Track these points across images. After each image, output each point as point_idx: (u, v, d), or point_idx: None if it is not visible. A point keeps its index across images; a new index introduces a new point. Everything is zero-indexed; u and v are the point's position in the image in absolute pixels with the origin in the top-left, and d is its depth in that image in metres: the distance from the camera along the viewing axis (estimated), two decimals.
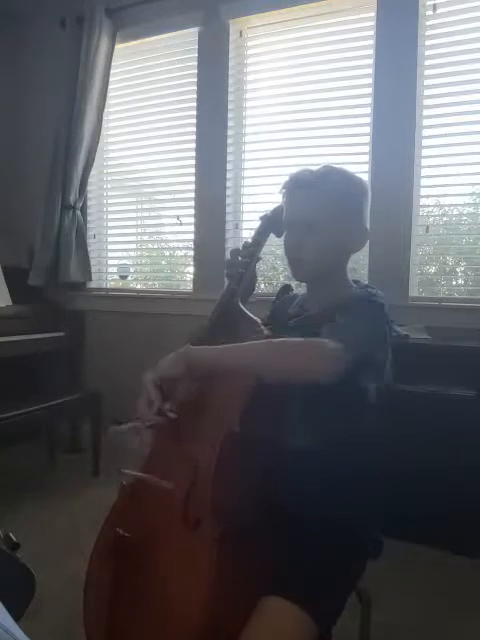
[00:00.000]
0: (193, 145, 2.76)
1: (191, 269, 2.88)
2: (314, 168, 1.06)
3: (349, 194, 1.05)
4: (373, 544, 1.00)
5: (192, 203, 2.79)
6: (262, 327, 1.00)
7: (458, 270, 2.50)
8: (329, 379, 0.85)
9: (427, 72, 2.28)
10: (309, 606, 0.81)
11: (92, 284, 3.08)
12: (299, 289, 1.30)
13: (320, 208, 1.02)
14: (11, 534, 0.98)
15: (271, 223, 1.19)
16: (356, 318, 0.94)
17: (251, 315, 1.03)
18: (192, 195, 2.79)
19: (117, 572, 0.89)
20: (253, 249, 1.16)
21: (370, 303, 0.99)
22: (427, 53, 2.27)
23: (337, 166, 1.08)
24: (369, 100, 2.38)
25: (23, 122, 3.16)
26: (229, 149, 2.68)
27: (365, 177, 2.36)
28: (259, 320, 1.01)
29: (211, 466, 0.85)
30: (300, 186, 1.05)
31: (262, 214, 1.22)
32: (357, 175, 1.10)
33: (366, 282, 1.13)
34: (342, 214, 1.03)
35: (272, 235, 1.21)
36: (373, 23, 2.34)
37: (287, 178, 1.08)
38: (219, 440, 0.85)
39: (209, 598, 0.78)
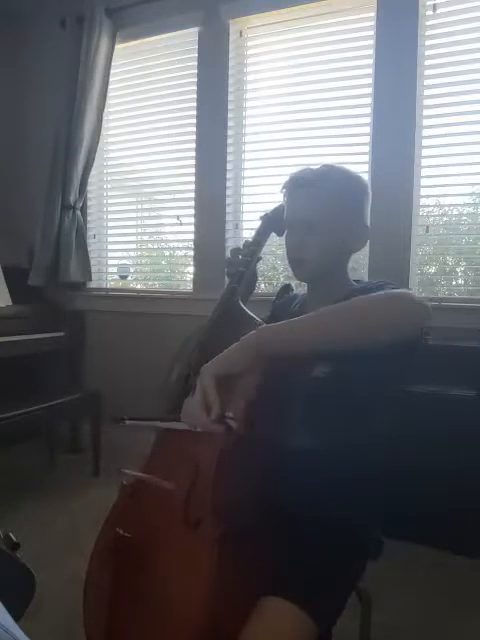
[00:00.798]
0: (193, 145, 2.76)
1: (191, 269, 2.88)
2: (314, 167, 1.06)
3: (350, 193, 1.05)
4: (373, 544, 1.00)
5: (192, 203, 2.79)
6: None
7: (458, 270, 2.50)
8: (419, 330, 0.80)
9: (427, 72, 2.28)
10: (309, 606, 0.81)
11: (92, 284, 3.08)
12: (299, 289, 1.30)
13: (321, 207, 1.02)
14: (11, 534, 0.98)
15: (272, 222, 1.18)
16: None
17: (252, 314, 1.03)
18: (192, 195, 2.79)
19: (117, 572, 0.89)
20: (254, 248, 1.16)
21: (386, 285, 0.96)
22: (427, 53, 2.27)
23: (337, 165, 1.08)
24: (369, 100, 2.38)
25: (23, 122, 3.16)
26: (229, 149, 2.68)
27: (365, 177, 2.36)
28: (260, 319, 1.00)
29: (212, 466, 0.84)
30: (300, 185, 1.05)
31: (263, 213, 1.21)
32: (357, 173, 1.10)
33: (367, 280, 1.13)
34: (343, 213, 1.03)
35: (273, 235, 1.21)
36: (373, 23, 2.34)
37: (287, 177, 1.08)
38: (220, 440, 0.85)
39: (209, 598, 0.78)
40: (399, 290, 0.86)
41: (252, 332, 0.81)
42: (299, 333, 0.81)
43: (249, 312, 1.03)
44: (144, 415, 0.97)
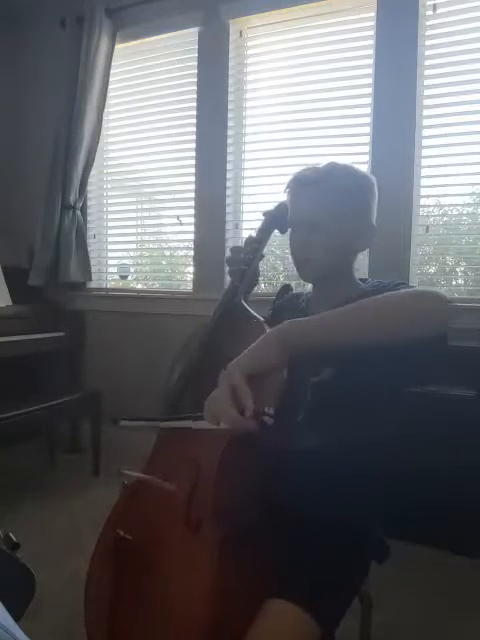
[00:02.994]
0: (193, 145, 2.76)
1: (191, 269, 2.88)
2: (319, 165, 1.04)
3: (355, 191, 1.03)
4: (378, 547, 1.00)
5: (192, 203, 2.79)
6: (265, 326, 0.98)
7: (458, 270, 2.50)
8: (444, 327, 0.80)
9: (427, 72, 2.28)
10: (312, 608, 0.81)
11: (92, 284, 3.08)
12: (299, 288, 1.30)
13: (325, 206, 1.00)
14: (11, 534, 0.98)
15: (275, 219, 1.16)
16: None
17: (254, 313, 1.02)
18: (192, 195, 2.79)
19: (118, 573, 0.89)
20: (256, 246, 1.13)
21: (399, 285, 0.95)
22: (427, 53, 2.27)
23: (342, 162, 1.05)
24: (369, 100, 2.38)
25: (23, 122, 3.16)
26: (229, 149, 2.68)
27: None
28: (262, 318, 0.99)
29: (213, 467, 0.84)
30: (304, 185, 1.03)
31: (265, 210, 1.19)
32: (363, 171, 1.07)
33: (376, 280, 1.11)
34: (348, 212, 1.01)
35: (273, 234, 1.19)
36: (373, 23, 2.34)
37: (291, 177, 1.06)
38: (222, 441, 0.85)
39: (212, 600, 0.77)
40: (426, 288, 0.86)
41: (278, 326, 0.79)
42: (329, 327, 0.79)
43: (251, 311, 1.02)
44: (141, 415, 0.97)
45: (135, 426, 0.98)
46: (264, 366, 0.76)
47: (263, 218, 1.18)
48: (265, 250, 1.18)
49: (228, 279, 1.15)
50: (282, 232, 1.15)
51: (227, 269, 1.18)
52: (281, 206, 1.14)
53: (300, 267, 1.07)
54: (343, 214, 1.01)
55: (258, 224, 1.19)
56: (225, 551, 0.79)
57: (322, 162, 1.05)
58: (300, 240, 1.04)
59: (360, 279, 1.10)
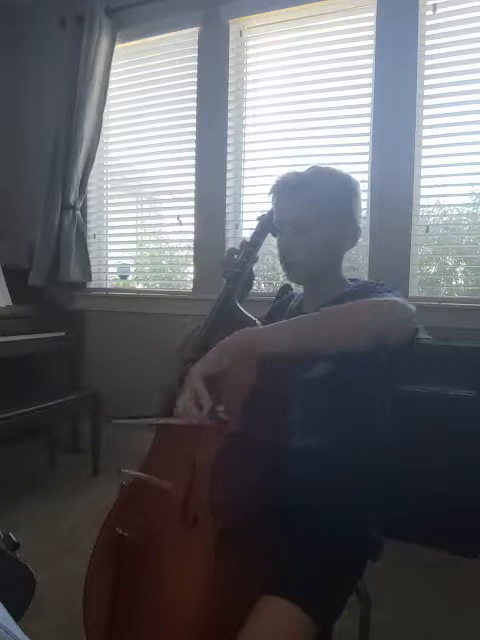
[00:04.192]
0: (193, 145, 2.76)
1: (191, 269, 2.88)
2: (300, 170, 1.07)
3: (337, 194, 1.05)
4: (373, 544, 1.00)
5: (192, 203, 2.79)
6: (259, 326, 1.00)
7: (458, 270, 2.50)
8: (409, 337, 0.84)
9: (427, 72, 2.28)
10: (307, 605, 0.81)
11: (92, 284, 3.08)
12: (298, 288, 1.30)
13: (307, 210, 1.03)
14: (11, 534, 0.98)
15: (268, 223, 1.19)
16: (381, 294, 0.95)
17: (248, 315, 1.04)
18: (192, 195, 2.79)
19: (117, 571, 0.89)
20: (250, 249, 1.17)
21: (377, 287, 1.00)
22: (427, 53, 2.27)
23: (326, 166, 1.09)
24: (369, 100, 2.38)
25: (23, 122, 3.16)
26: (229, 149, 2.68)
27: (365, 177, 2.36)
28: (257, 320, 1.01)
29: (209, 465, 0.85)
30: (288, 188, 1.06)
31: (259, 215, 1.22)
32: (346, 173, 1.10)
33: (365, 279, 1.13)
34: (331, 214, 1.04)
35: (271, 235, 1.21)
36: (373, 23, 2.34)
37: (275, 181, 1.09)
38: (218, 439, 0.85)
39: (207, 596, 0.78)
40: (385, 298, 0.89)
41: (233, 334, 0.88)
42: (278, 337, 0.87)
43: (246, 312, 1.05)
44: (132, 414, 0.99)
45: (126, 423, 1.03)
46: (216, 370, 0.86)
47: (257, 222, 1.21)
48: (265, 250, 1.20)
49: (224, 280, 1.16)
50: (275, 235, 1.18)
51: (222, 271, 1.20)
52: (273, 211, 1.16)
53: (287, 269, 1.10)
54: (326, 216, 1.03)
55: (255, 225, 1.22)
56: (221, 548, 0.80)
57: (307, 165, 1.09)
58: (285, 243, 1.07)
59: (351, 279, 1.12)
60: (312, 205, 1.03)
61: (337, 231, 1.05)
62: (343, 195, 1.07)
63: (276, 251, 1.11)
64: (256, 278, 1.37)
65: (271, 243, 1.27)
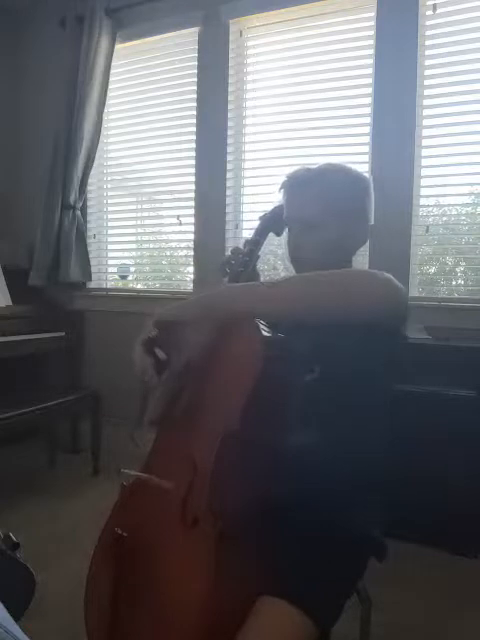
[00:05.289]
0: (193, 145, 2.76)
1: (191, 269, 2.88)
2: (313, 166, 1.05)
3: (348, 192, 1.03)
4: (375, 546, 1.00)
5: (192, 203, 2.79)
6: (260, 325, 0.99)
7: (458, 270, 2.50)
8: (389, 311, 0.83)
9: (427, 72, 2.28)
10: (307, 606, 0.81)
11: (92, 284, 3.08)
12: None
13: (317, 207, 1.01)
14: (11, 534, 0.98)
15: (270, 222, 1.17)
16: None
17: None
18: (192, 195, 2.79)
19: (118, 572, 0.89)
20: (252, 248, 1.15)
21: None
22: (427, 53, 2.27)
23: (338, 163, 1.06)
24: (369, 100, 2.38)
25: (23, 122, 3.16)
26: (229, 149, 2.68)
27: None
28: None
29: (209, 466, 0.84)
30: (298, 184, 1.04)
31: (261, 214, 1.21)
32: (358, 171, 1.08)
33: None
34: (342, 213, 1.02)
35: (272, 235, 1.20)
36: (373, 23, 2.34)
37: (285, 176, 1.08)
38: (218, 439, 0.85)
39: (207, 597, 0.78)
40: (377, 271, 0.89)
41: (210, 289, 0.88)
42: (254, 294, 0.85)
43: None
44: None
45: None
46: (177, 318, 0.88)
47: (259, 221, 1.19)
48: (266, 250, 1.19)
49: (226, 281, 1.16)
50: (277, 234, 1.17)
51: (226, 269, 1.19)
52: (276, 209, 1.15)
53: (295, 266, 1.08)
54: (336, 214, 1.01)
55: (257, 224, 1.20)
56: (221, 549, 0.80)
57: (317, 163, 1.07)
58: (293, 239, 1.05)
59: None
60: (321, 202, 1.00)
61: (347, 229, 1.03)
62: (355, 193, 1.04)
63: (277, 251, 1.11)
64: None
65: (273, 243, 1.27)
